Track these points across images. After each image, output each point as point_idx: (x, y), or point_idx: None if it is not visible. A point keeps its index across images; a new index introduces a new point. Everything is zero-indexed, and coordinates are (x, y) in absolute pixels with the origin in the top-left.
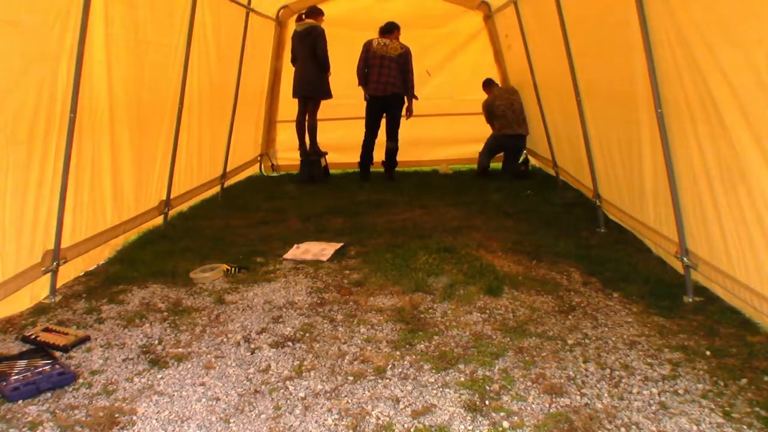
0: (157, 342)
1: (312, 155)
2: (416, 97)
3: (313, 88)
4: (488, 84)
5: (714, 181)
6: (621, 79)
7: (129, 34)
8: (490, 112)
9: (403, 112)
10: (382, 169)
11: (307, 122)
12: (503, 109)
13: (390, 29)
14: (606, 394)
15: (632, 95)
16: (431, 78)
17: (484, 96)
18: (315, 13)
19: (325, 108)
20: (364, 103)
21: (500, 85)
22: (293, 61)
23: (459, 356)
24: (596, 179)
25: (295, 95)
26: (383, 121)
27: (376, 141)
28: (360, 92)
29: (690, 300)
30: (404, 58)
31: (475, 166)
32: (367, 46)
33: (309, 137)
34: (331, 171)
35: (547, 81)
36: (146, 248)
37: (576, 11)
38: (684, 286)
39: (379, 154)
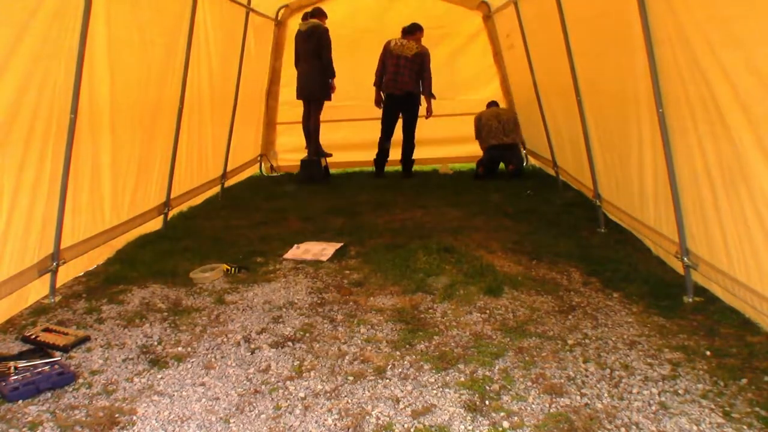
0: (157, 342)
1: (314, 155)
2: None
3: (315, 89)
4: (488, 105)
5: (715, 180)
6: (622, 79)
7: (129, 34)
8: (477, 124)
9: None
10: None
11: (308, 123)
12: (488, 117)
13: (412, 30)
14: (606, 394)
15: (633, 95)
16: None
17: (483, 95)
18: (319, 14)
19: (326, 109)
20: (366, 105)
21: (500, 106)
22: (297, 62)
23: (459, 356)
24: (596, 179)
25: (299, 97)
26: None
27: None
28: (361, 93)
29: (690, 300)
30: (420, 59)
31: (474, 165)
32: (386, 45)
33: (310, 138)
34: (331, 171)
35: (548, 81)
36: (146, 248)
37: (576, 10)
38: (684, 286)
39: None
